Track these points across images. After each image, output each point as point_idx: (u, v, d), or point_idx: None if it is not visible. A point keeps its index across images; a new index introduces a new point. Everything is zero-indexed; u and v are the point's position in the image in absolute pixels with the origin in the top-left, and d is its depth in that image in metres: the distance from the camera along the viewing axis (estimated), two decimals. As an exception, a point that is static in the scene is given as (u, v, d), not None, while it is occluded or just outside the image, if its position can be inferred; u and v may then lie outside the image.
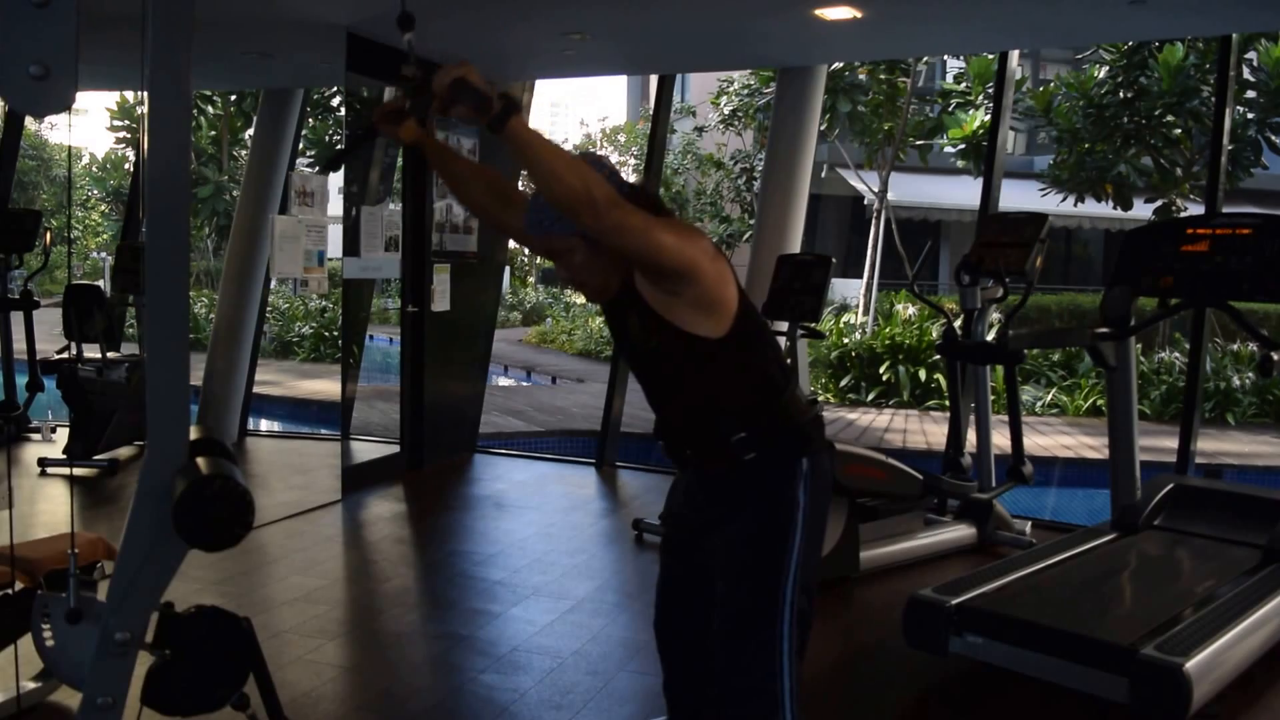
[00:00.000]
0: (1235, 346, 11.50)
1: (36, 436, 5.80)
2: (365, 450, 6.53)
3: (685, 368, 2.05)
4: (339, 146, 6.03)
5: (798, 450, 2.07)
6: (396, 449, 6.41)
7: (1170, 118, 12.46)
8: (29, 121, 5.93)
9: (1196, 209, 10.82)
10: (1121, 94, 12.68)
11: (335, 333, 7.42)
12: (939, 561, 4.61)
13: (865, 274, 14.68)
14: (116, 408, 5.60)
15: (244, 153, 7.12)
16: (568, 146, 22.18)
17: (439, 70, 1.76)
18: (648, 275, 1.96)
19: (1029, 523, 5.00)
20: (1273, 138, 12.57)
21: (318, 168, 6.36)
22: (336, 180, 6.14)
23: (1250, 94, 12.37)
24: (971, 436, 5.13)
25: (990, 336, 4.83)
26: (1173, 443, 5.37)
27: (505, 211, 2.22)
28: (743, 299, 2.03)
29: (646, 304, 2.00)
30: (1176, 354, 11.26)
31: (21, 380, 5.60)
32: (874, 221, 14.82)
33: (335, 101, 6.53)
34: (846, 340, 11.83)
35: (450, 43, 5.43)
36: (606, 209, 1.78)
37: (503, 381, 13.41)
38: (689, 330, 1.98)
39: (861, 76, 14.11)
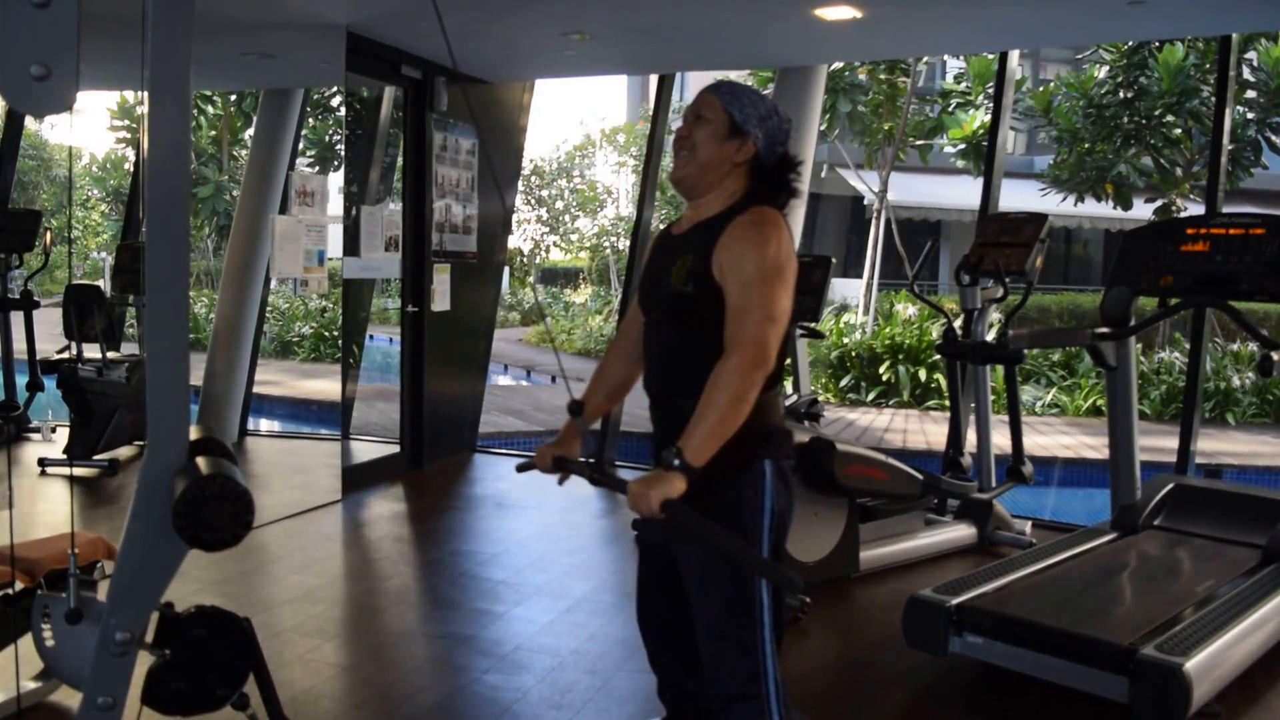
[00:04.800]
0: (1235, 346, 11.51)
1: (36, 436, 5.79)
2: (365, 450, 6.53)
3: (698, 328, 2.05)
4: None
5: (760, 451, 2.07)
6: (396, 449, 6.41)
7: (1170, 118, 12.47)
8: (29, 121, 5.92)
9: (1196, 209, 10.83)
10: (1121, 94, 12.69)
11: (335, 333, 7.42)
12: (939, 561, 4.62)
13: (865, 274, 14.68)
14: (116, 408, 5.60)
15: (244, 153, 7.11)
16: (567, 147, 22.39)
17: (632, 490, 1.87)
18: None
19: (1029, 523, 5.00)
20: (1273, 138, 12.57)
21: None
22: (336, 180, 6.13)
23: (1250, 94, 12.38)
24: (971, 436, 5.13)
25: (990, 336, 4.82)
26: (1173, 443, 5.37)
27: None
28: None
29: (710, 253, 2.02)
30: (1176, 354, 11.26)
31: (22, 380, 5.59)
32: (874, 221, 14.82)
33: (335, 101, 6.53)
34: (846, 340, 11.84)
35: (451, 42, 5.42)
36: (763, 366, 1.93)
37: (502, 381, 13.42)
38: (722, 298, 2.02)
39: (861, 76, 14.11)
